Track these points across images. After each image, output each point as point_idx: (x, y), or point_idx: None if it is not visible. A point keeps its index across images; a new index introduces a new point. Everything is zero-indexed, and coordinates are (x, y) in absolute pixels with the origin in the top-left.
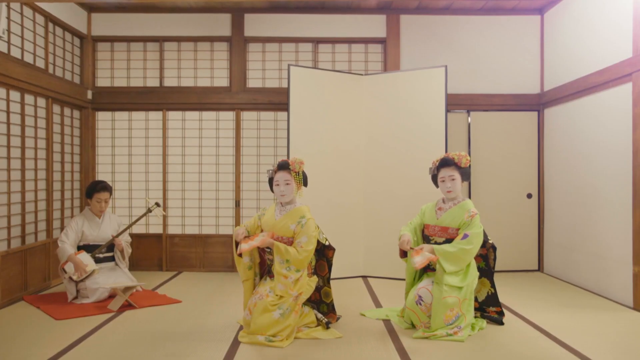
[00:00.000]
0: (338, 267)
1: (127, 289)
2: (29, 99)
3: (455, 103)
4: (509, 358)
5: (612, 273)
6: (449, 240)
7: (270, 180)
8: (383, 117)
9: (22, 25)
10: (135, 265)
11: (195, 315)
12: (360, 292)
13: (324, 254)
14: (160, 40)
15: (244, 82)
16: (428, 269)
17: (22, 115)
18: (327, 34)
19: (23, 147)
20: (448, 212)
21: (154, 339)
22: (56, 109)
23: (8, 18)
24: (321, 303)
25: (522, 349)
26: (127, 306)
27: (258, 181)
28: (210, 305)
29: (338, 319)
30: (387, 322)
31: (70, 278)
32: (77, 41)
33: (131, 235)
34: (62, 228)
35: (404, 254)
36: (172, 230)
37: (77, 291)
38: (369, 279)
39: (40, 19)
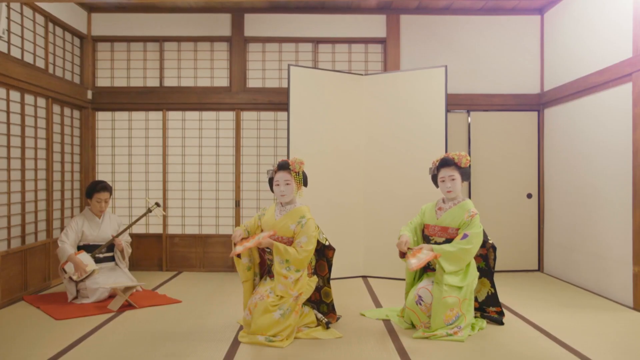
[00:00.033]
0: (338, 267)
1: (127, 289)
2: (29, 99)
3: (455, 103)
4: (509, 358)
5: (612, 273)
6: (448, 240)
7: (270, 181)
8: (383, 117)
9: (22, 25)
10: (135, 265)
11: (195, 315)
12: (360, 292)
13: (324, 254)
14: (160, 40)
15: (244, 82)
16: (428, 269)
17: (22, 115)
18: (327, 34)
19: (23, 147)
20: (448, 212)
21: (154, 339)
22: (56, 109)
23: (8, 18)
24: (321, 303)
25: (522, 349)
26: (127, 306)
27: (258, 181)
28: (210, 305)
29: (338, 319)
30: (387, 322)
31: (70, 278)
32: (77, 41)
33: (131, 235)
34: (62, 228)
35: (403, 254)
36: (172, 230)
37: (77, 291)
38: (369, 279)
39: (40, 19)
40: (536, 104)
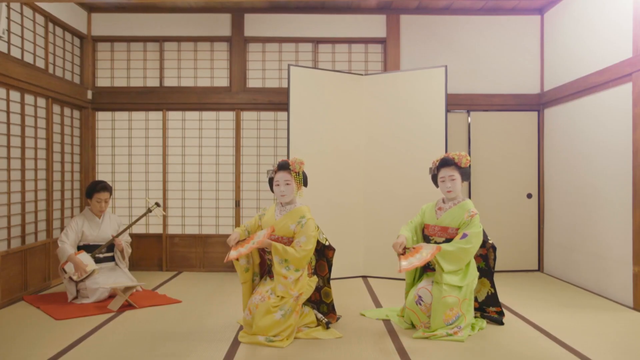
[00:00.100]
0: (338, 267)
1: (127, 289)
2: (29, 99)
3: (455, 103)
4: (509, 358)
5: (612, 273)
6: (448, 240)
7: (271, 181)
8: (383, 117)
9: (22, 25)
10: (135, 265)
11: (195, 315)
12: (360, 292)
13: (324, 254)
14: (160, 40)
15: (244, 82)
16: (428, 269)
17: (22, 115)
18: (327, 34)
19: (23, 147)
20: (448, 212)
21: (154, 339)
22: (56, 109)
23: (8, 18)
24: (321, 303)
25: (522, 349)
26: (127, 306)
27: (258, 181)
28: (210, 305)
29: (338, 319)
30: (387, 322)
31: (70, 278)
32: (77, 41)
33: (131, 235)
34: (62, 228)
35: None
36: (172, 230)
37: (77, 291)
38: (369, 279)
39: (40, 19)
40: (536, 104)
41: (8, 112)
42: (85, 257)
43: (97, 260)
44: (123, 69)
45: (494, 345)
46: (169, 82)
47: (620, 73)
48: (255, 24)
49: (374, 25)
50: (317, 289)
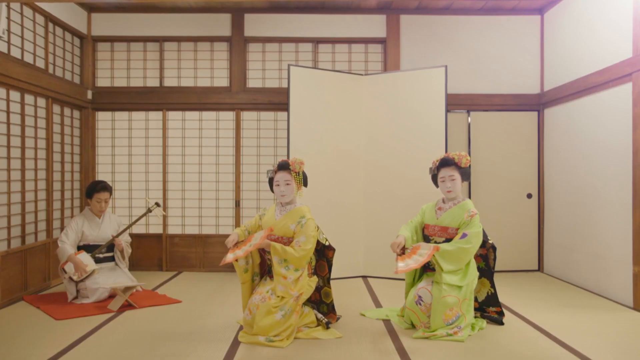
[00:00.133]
0: (338, 267)
1: (127, 289)
2: (29, 99)
3: (455, 103)
4: (509, 358)
5: (612, 273)
6: (448, 240)
7: (271, 181)
8: (383, 117)
9: (22, 25)
10: (135, 265)
11: (195, 315)
12: (360, 292)
13: (324, 254)
14: (160, 40)
15: (244, 82)
16: (428, 269)
17: (22, 115)
18: (327, 34)
19: (23, 147)
20: (448, 212)
21: (154, 339)
22: (56, 109)
23: (8, 18)
24: (321, 303)
25: (522, 349)
26: (127, 306)
27: (258, 181)
28: (210, 305)
29: (338, 319)
30: (387, 322)
31: (70, 278)
32: (77, 41)
33: (131, 235)
34: (62, 228)
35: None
36: (172, 230)
37: (77, 291)
38: (369, 279)
39: (40, 19)
40: (536, 104)
41: (8, 112)
42: (85, 257)
43: (97, 260)
44: (123, 69)
45: (494, 345)
46: (169, 82)
47: (620, 73)
48: (255, 24)
49: (374, 25)
50: (317, 289)
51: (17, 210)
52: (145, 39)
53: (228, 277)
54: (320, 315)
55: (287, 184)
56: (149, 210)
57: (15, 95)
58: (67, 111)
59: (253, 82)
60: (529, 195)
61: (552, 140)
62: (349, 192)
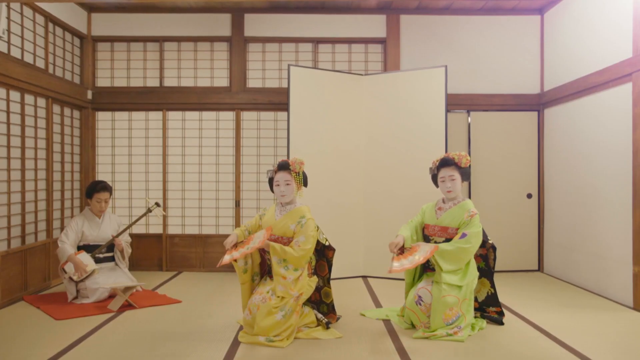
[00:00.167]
0: (338, 267)
1: (127, 289)
2: (29, 99)
3: (455, 103)
4: (509, 358)
5: (612, 273)
6: (448, 240)
7: (271, 181)
8: (383, 117)
9: (22, 25)
10: (135, 265)
11: (195, 315)
12: (360, 292)
13: (324, 254)
14: (160, 40)
15: (244, 82)
16: (428, 269)
17: (22, 115)
18: (327, 34)
19: (23, 147)
20: (448, 212)
21: (154, 339)
22: (56, 109)
23: (8, 18)
24: (321, 303)
25: (522, 349)
26: (127, 306)
27: (258, 181)
28: (210, 306)
29: (338, 319)
30: (387, 322)
31: (70, 278)
32: (77, 41)
33: (131, 235)
34: (62, 228)
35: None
36: (172, 230)
37: (77, 291)
38: (369, 279)
39: (40, 19)
40: (536, 104)
41: (8, 112)
42: (85, 257)
43: (97, 260)
44: (123, 69)
45: (494, 345)
46: (169, 82)
47: (620, 73)
48: (255, 24)
49: (374, 25)
50: (317, 289)
51: (17, 210)
52: (145, 39)
53: (228, 277)
54: (320, 315)
55: (287, 184)
56: (149, 210)
57: (15, 95)
58: (67, 111)
59: (253, 82)
60: (529, 195)
61: (552, 140)
62: (349, 192)
